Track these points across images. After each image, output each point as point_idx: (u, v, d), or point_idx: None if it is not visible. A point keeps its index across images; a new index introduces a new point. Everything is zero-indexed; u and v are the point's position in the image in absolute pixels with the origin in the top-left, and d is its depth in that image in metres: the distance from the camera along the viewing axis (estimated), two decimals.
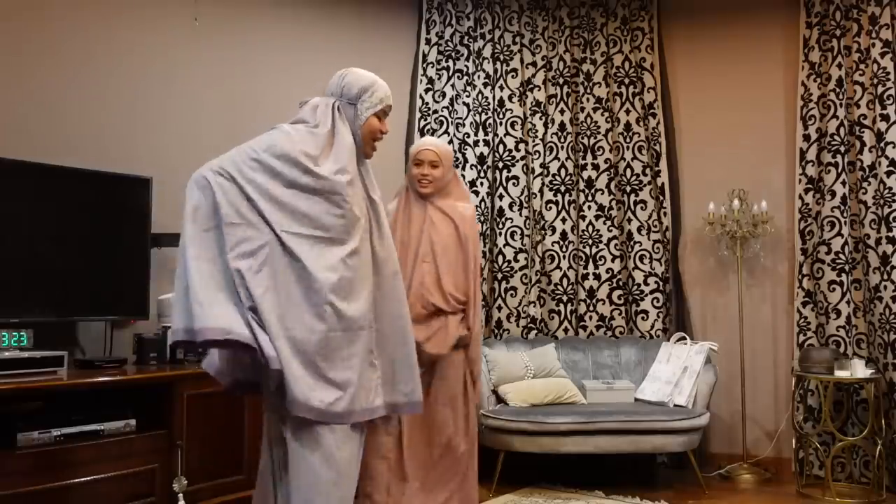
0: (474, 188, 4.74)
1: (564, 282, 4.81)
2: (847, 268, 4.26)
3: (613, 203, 4.86)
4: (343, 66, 4.74)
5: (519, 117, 4.88)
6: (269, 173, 2.04)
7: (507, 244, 4.77)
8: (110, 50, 3.67)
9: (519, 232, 4.77)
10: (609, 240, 4.84)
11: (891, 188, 4.13)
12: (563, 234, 4.83)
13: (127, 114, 3.70)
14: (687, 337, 4.47)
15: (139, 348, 3.33)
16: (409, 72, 4.88)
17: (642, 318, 4.75)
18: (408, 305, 2.26)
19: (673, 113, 4.89)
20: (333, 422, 2.00)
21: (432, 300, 3.01)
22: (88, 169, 3.35)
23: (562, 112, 4.91)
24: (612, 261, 4.82)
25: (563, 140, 4.90)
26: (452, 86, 4.83)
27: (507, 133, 4.85)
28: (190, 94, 3.95)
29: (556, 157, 4.89)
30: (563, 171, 4.87)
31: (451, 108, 4.80)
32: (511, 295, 4.75)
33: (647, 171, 4.81)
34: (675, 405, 4.09)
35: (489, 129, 4.82)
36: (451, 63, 4.85)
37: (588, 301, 4.83)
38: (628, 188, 4.82)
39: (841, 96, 4.34)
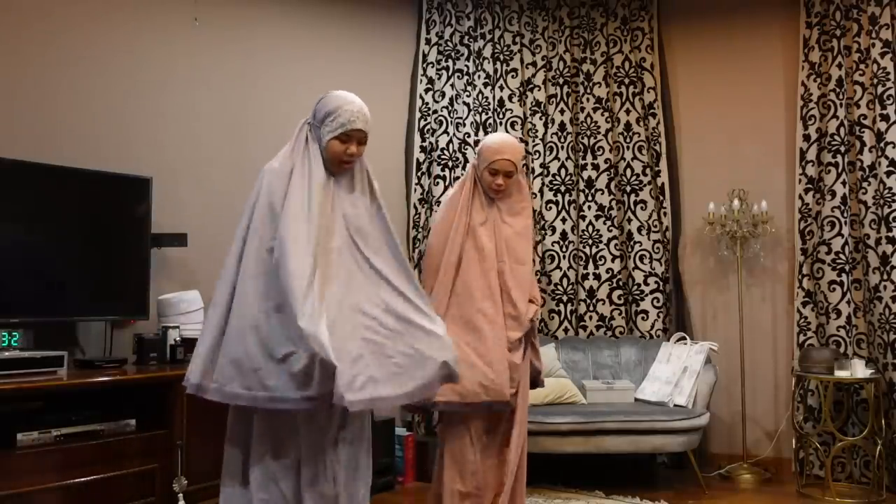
0: None
1: (564, 282, 4.81)
2: (847, 268, 4.26)
3: (613, 203, 4.86)
4: (342, 65, 4.79)
5: (519, 117, 4.88)
6: None
7: None
8: (110, 50, 3.67)
9: None
10: (609, 240, 4.84)
11: (891, 188, 4.13)
12: (563, 234, 4.83)
13: (127, 114, 3.70)
14: (687, 337, 4.47)
15: (139, 348, 3.33)
16: (409, 72, 4.88)
17: (642, 318, 4.75)
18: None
19: (673, 113, 4.89)
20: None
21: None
22: (88, 169, 3.35)
23: (562, 112, 4.92)
24: (612, 261, 4.82)
25: (563, 140, 4.90)
26: (452, 86, 4.83)
27: (507, 133, 4.85)
28: (190, 94, 3.94)
29: (556, 157, 4.89)
30: (563, 171, 4.87)
31: (450, 107, 4.80)
32: None
33: (647, 171, 4.81)
34: (675, 405, 4.09)
35: (489, 129, 4.81)
36: (451, 63, 4.85)
37: (588, 301, 4.83)
38: (628, 188, 4.82)
39: (841, 96, 4.34)
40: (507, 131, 4.85)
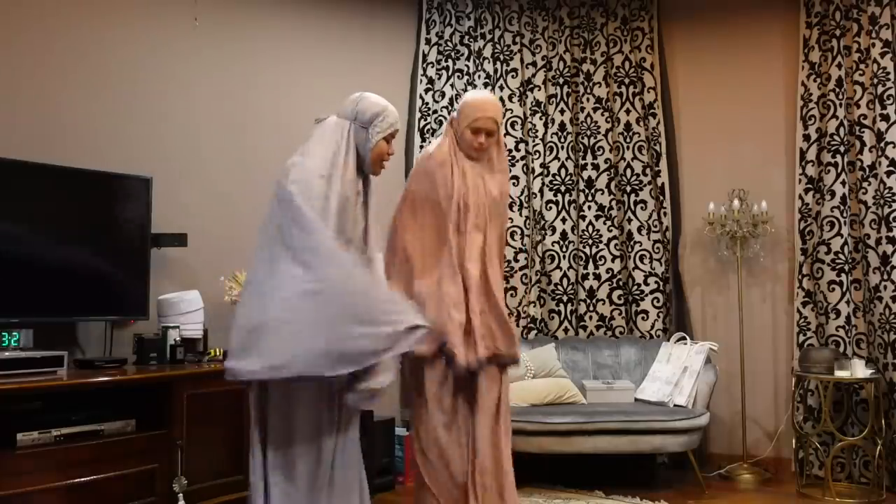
0: None
1: (564, 282, 4.81)
2: (847, 268, 4.26)
3: (613, 203, 4.86)
4: (342, 65, 4.78)
5: (519, 117, 4.88)
6: None
7: (507, 244, 4.76)
8: (111, 50, 3.67)
9: (519, 232, 4.77)
10: (609, 240, 4.84)
11: (891, 188, 4.13)
12: (563, 234, 4.83)
13: (127, 114, 3.70)
14: (687, 337, 4.47)
15: (139, 348, 3.33)
16: (409, 72, 4.88)
17: (642, 318, 4.75)
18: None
19: (673, 113, 4.89)
20: None
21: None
22: (88, 169, 3.35)
23: (562, 112, 4.91)
24: (612, 261, 4.82)
25: (563, 140, 4.90)
26: (452, 86, 4.83)
27: (508, 133, 4.85)
28: (190, 94, 3.94)
29: (556, 157, 4.89)
30: (563, 171, 4.87)
31: (450, 107, 4.80)
32: (511, 295, 4.75)
33: (647, 171, 4.81)
34: (675, 405, 4.09)
35: None
36: (450, 63, 4.86)
37: (588, 301, 4.83)
38: (628, 188, 4.82)
39: (841, 96, 4.34)
40: (507, 131, 4.85)
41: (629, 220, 4.81)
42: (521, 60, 4.94)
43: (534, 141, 4.89)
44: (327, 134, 2.35)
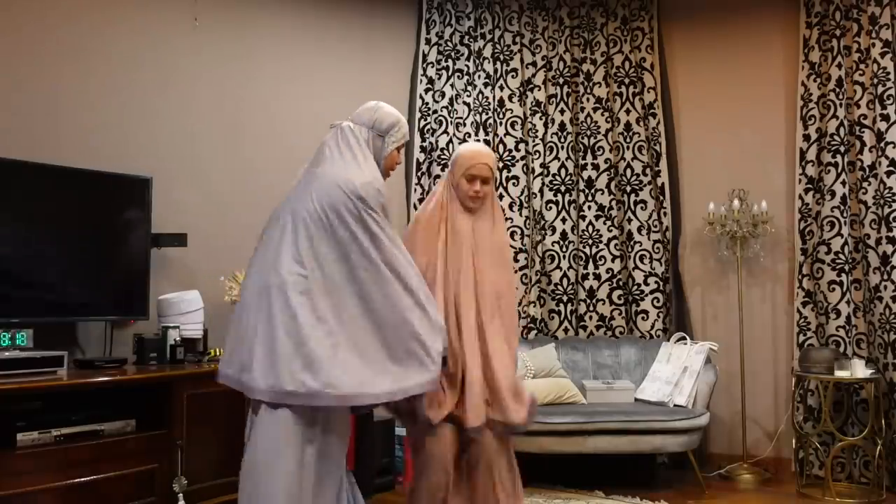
0: None
1: (564, 282, 4.81)
2: (847, 268, 4.26)
3: (613, 203, 4.86)
4: (342, 65, 4.78)
5: (519, 117, 4.88)
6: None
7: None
8: (111, 50, 3.67)
9: (519, 232, 4.77)
10: (609, 240, 4.84)
11: (891, 188, 4.13)
12: (563, 234, 4.83)
13: (127, 114, 3.70)
14: (687, 337, 4.47)
15: (139, 348, 3.34)
16: (409, 72, 4.88)
17: (642, 318, 4.75)
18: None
19: (673, 113, 4.88)
20: None
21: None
22: (88, 169, 3.35)
23: (562, 112, 4.91)
24: (612, 261, 4.82)
25: (563, 140, 4.90)
26: (452, 85, 4.83)
27: (508, 133, 4.85)
28: (190, 94, 3.95)
29: (556, 157, 4.89)
30: (563, 171, 4.87)
31: (450, 107, 4.80)
32: None
33: (647, 171, 4.81)
34: (675, 405, 4.09)
35: (489, 129, 4.82)
36: (450, 63, 4.86)
37: (588, 301, 4.82)
38: (628, 188, 4.82)
39: (841, 96, 4.34)
40: (507, 131, 4.85)
41: (629, 220, 4.81)
42: (521, 60, 4.94)
43: (534, 141, 4.89)
44: (360, 143, 2.41)
